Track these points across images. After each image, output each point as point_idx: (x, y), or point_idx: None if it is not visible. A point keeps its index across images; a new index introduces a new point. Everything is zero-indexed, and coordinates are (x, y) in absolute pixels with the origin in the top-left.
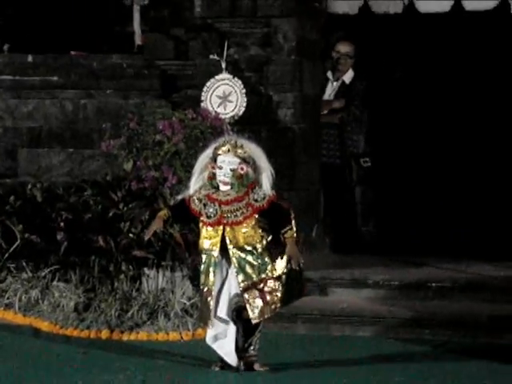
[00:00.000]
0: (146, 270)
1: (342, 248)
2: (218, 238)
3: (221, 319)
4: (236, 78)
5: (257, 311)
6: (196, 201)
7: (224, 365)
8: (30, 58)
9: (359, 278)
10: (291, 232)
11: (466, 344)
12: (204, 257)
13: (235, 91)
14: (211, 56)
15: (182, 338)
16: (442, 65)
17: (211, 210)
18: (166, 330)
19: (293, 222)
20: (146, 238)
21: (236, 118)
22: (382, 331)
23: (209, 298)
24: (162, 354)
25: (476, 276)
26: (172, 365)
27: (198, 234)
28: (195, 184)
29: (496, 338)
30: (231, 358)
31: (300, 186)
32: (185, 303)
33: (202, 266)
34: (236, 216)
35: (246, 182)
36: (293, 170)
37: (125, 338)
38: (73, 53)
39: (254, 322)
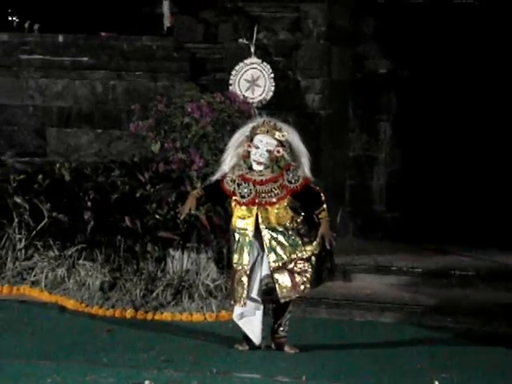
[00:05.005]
0: (171, 251)
1: (366, 234)
2: (253, 218)
3: (251, 298)
4: (265, 63)
5: (285, 291)
6: (230, 182)
7: (248, 344)
8: (60, 38)
9: (383, 264)
10: (325, 213)
11: (488, 332)
12: (237, 236)
13: (263, 75)
14: (240, 40)
15: (205, 318)
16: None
17: (245, 189)
18: (189, 310)
19: (324, 204)
20: (182, 217)
21: (264, 102)
22: (404, 318)
23: (243, 277)
24: (185, 334)
25: (499, 265)
26: (195, 345)
27: (225, 217)
28: (230, 160)
29: None
30: (256, 336)
31: (325, 171)
32: (209, 285)
33: (235, 245)
34: (270, 197)
35: (281, 164)
36: (319, 156)
37: (149, 317)
38: (103, 34)
39: (281, 301)
